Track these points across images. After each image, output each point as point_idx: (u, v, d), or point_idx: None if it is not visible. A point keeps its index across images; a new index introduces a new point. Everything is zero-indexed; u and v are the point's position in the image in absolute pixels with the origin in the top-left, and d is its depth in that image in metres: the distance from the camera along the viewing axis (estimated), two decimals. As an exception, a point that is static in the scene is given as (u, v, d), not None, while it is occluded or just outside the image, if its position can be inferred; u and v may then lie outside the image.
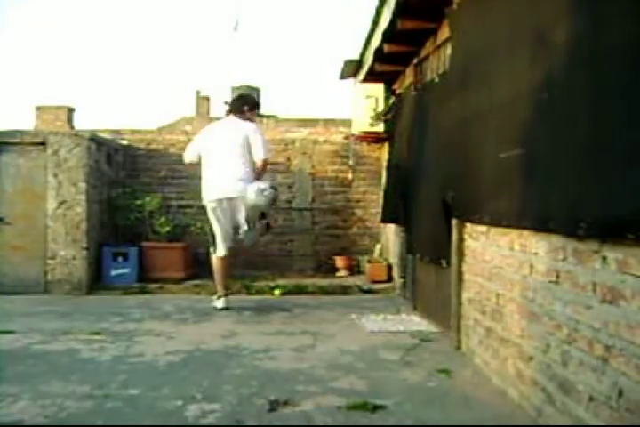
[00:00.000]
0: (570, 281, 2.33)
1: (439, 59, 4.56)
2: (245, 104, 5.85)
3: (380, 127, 6.72)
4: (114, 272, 6.80)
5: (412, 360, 3.68)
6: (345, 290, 6.67)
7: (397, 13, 4.44)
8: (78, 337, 4.32)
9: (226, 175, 5.46)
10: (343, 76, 7.61)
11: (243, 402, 2.89)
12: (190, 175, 7.81)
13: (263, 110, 9.32)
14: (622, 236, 1.85)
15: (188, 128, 7.98)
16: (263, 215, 5.70)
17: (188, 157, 5.80)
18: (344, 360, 3.70)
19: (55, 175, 6.48)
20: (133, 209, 7.10)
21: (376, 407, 2.79)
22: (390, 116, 6.39)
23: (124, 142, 7.78)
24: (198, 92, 10.46)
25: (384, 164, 6.98)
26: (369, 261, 7.22)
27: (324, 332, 4.53)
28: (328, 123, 7.99)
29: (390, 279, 6.82)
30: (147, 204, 7.09)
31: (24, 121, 10.63)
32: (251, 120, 5.80)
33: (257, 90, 9.67)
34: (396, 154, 5.87)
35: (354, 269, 7.61)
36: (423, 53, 5.09)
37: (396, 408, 2.80)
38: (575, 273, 2.28)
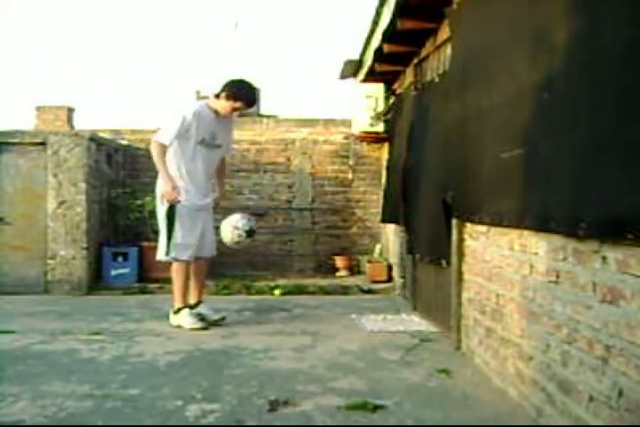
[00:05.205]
0: (570, 281, 2.33)
1: (439, 59, 4.56)
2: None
3: (380, 127, 6.72)
4: (114, 272, 6.80)
5: (412, 360, 3.68)
6: (345, 290, 6.67)
7: (397, 13, 4.44)
8: (78, 337, 4.32)
9: None
10: (343, 76, 7.60)
11: (243, 402, 2.89)
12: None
13: (263, 110, 9.29)
14: (622, 236, 1.85)
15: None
16: None
17: None
18: (344, 360, 3.70)
19: (55, 175, 6.48)
20: (133, 209, 7.10)
21: (376, 407, 2.79)
22: (390, 116, 6.40)
23: (124, 142, 7.78)
24: (198, 92, 10.42)
25: (384, 164, 6.98)
26: (369, 261, 7.22)
27: (323, 332, 4.53)
28: (328, 123, 7.98)
29: (390, 279, 6.82)
30: (147, 204, 7.07)
31: (24, 121, 10.58)
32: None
33: (257, 90, 9.64)
34: (396, 154, 5.86)
35: (354, 269, 7.61)
36: (423, 53, 5.09)
37: (396, 408, 2.81)
38: (575, 273, 2.28)
